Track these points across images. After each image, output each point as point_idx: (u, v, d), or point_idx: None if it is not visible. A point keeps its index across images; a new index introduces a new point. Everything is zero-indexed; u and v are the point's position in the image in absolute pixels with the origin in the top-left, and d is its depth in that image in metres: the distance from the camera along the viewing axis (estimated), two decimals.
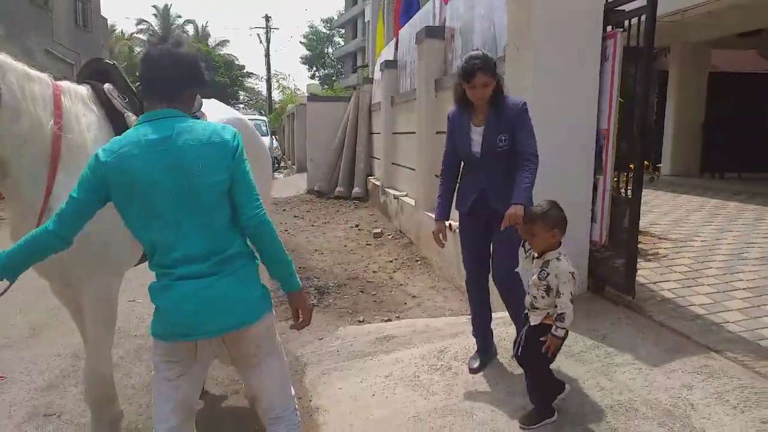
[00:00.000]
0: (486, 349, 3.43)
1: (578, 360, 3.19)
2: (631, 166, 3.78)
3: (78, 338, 2.64)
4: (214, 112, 3.30)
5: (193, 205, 1.79)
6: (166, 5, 49.82)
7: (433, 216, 3.42)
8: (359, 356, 3.84)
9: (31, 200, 2.30)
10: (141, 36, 44.75)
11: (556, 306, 2.60)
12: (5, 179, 2.30)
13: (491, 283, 3.32)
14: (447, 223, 3.39)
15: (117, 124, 2.53)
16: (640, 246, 4.84)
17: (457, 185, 3.33)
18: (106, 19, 27.98)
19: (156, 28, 48.20)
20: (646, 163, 5.21)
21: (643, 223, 5.91)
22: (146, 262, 1.95)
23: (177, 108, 1.86)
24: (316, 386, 3.51)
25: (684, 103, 11.15)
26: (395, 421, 2.95)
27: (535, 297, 2.69)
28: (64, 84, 2.51)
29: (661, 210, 6.90)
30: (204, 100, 3.39)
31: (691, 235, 5.40)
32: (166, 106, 1.84)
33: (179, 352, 1.88)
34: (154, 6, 56.43)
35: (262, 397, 2.11)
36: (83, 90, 2.59)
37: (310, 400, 3.35)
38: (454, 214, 3.40)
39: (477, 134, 3.12)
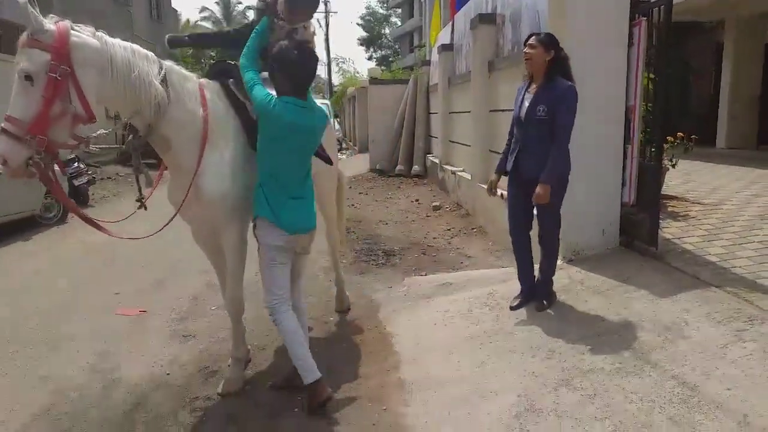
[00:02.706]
0: (527, 294, 4.12)
1: (603, 296, 3.90)
2: (669, 138, 4.38)
3: (194, 285, 3.43)
4: None
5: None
6: None
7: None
8: (423, 297, 4.66)
9: (187, 167, 3.02)
10: (205, 24, 46.53)
11: None
12: (167, 151, 3.05)
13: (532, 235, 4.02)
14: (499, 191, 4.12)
15: (240, 112, 3.24)
16: (672, 209, 5.44)
17: None
18: (177, 10, 29.57)
19: (218, 15, 49.99)
20: (680, 134, 5.75)
21: (681, 190, 6.44)
22: None
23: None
24: (388, 319, 4.36)
25: (739, 76, 11.26)
26: (452, 339, 3.76)
27: None
28: (203, 81, 3.27)
29: (703, 179, 7.34)
30: None
31: (723, 200, 5.89)
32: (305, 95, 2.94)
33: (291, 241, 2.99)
34: None
35: (300, 272, 3.29)
36: (215, 85, 3.33)
37: (385, 328, 4.20)
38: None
39: (527, 101, 3.72)
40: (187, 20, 43.37)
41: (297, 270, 3.25)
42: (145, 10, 23.79)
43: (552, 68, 3.65)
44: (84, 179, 10.44)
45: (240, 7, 51.64)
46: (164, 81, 2.90)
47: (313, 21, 3.62)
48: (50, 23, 2.58)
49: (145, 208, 3.04)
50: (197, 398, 3.35)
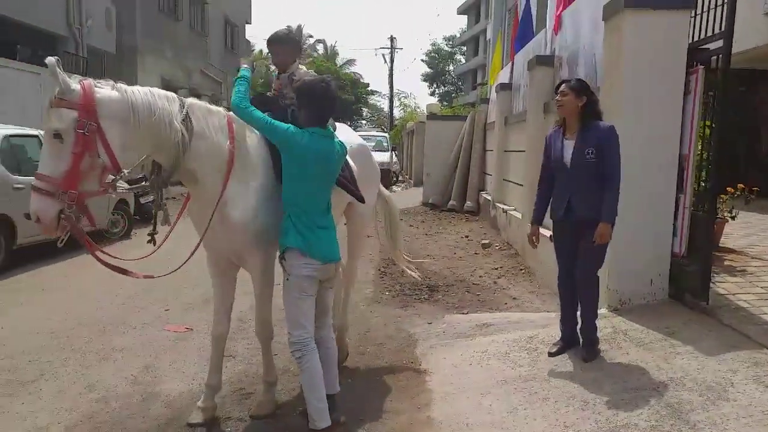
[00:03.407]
0: (568, 340, 4.03)
1: (646, 348, 3.77)
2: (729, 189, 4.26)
3: (239, 307, 3.49)
4: (345, 136, 3.94)
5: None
6: (299, 26, 53.42)
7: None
8: (461, 336, 4.63)
9: (211, 198, 3.06)
10: None
11: None
12: (195, 184, 3.11)
13: None
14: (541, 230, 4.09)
15: (271, 143, 3.23)
16: (729, 263, 5.23)
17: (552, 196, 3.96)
18: (250, 42, 30.96)
19: None
20: (741, 185, 5.55)
21: (741, 243, 6.17)
22: None
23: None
24: (425, 355, 4.35)
25: None
26: (486, 381, 3.71)
27: None
28: (232, 114, 3.29)
29: (767, 233, 7.00)
30: (337, 125, 4.28)
31: None
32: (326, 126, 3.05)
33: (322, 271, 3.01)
34: (288, 26, 60.68)
35: (324, 308, 3.21)
36: None
37: (420, 365, 4.19)
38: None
39: (569, 146, 3.74)
40: (260, 51, 45.27)
41: (325, 305, 3.22)
42: (220, 40, 25.05)
43: (586, 113, 3.72)
44: (150, 198, 10.97)
45: (311, 40, 53.60)
46: (187, 118, 2.97)
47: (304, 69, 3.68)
48: (75, 83, 2.70)
49: (154, 243, 3.09)
50: (230, 418, 3.44)
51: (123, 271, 3.08)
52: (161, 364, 4.25)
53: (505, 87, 10.61)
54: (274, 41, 3.57)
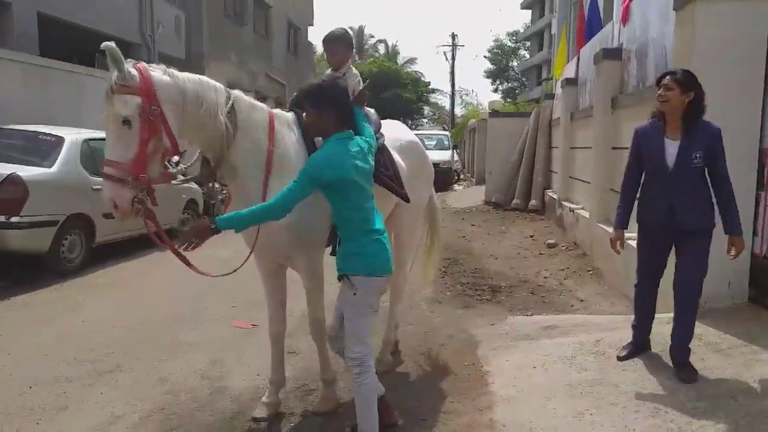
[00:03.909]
0: (639, 345, 3.85)
1: (724, 354, 3.57)
2: None
3: (304, 304, 3.46)
4: (394, 132, 4.03)
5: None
6: (361, 26, 54.05)
7: (608, 227, 3.93)
8: (524, 339, 4.53)
9: (253, 197, 2.99)
10: None
11: None
12: (235, 180, 3.08)
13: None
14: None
15: (309, 142, 3.17)
16: None
17: (638, 198, 3.64)
18: (312, 44, 31.47)
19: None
20: None
21: None
22: None
23: None
24: (487, 357, 4.28)
25: None
26: (552, 385, 3.62)
27: None
28: (276, 111, 3.34)
29: None
30: (387, 121, 4.17)
31: None
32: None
33: (387, 282, 2.90)
34: (350, 27, 61.56)
35: None
36: (289, 116, 3.28)
37: (482, 367, 4.13)
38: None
39: (672, 147, 3.37)
40: (322, 53, 46.02)
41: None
42: (283, 44, 25.58)
43: (693, 109, 3.36)
44: (219, 198, 11.32)
45: (372, 41, 54.08)
46: (232, 111, 2.95)
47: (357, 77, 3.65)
48: (130, 66, 2.69)
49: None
50: (293, 414, 3.50)
51: (187, 263, 3.06)
52: (228, 359, 4.38)
53: (570, 82, 10.31)
54: (330, 40, 3.60)
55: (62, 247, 6.85)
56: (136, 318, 5.33)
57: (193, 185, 9.63)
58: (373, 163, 2.93)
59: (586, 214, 8.07)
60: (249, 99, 3.18)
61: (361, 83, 3.60)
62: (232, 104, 2.96)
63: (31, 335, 4.85)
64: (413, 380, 4.03)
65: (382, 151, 3.65)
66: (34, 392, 3.77)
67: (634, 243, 3.85)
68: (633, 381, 3.48)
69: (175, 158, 2.99)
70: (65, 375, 4.04)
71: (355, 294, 2.78)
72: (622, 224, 3.70)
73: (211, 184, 3.14)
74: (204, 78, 2.96)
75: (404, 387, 3.92)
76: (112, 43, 2.63)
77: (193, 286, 6.38)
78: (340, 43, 3.58)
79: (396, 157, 3.79)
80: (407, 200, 3.71)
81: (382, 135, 3.66)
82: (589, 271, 7.12)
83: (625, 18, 7.02)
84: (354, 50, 3.73)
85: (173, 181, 3.10)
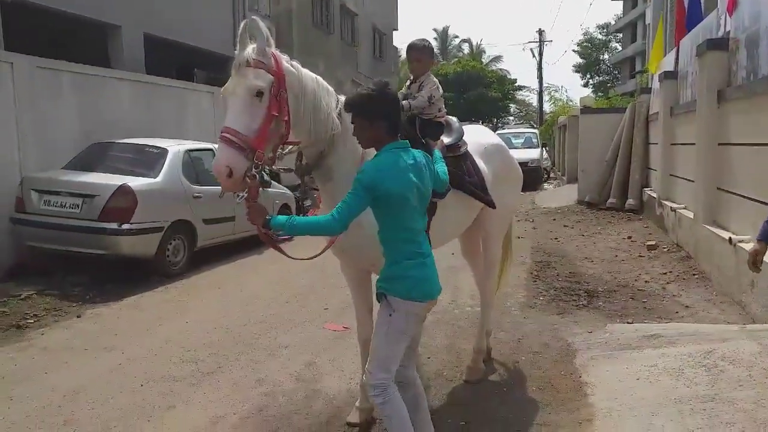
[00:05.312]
0: None
1: None
2: None
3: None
4: (477, 137, 3.96)
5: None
6: (445, 27, 53.82)
7: (715, 229, 3.57)
8: (626, 348, 4.29)
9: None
10: None
11: None
12: (327, 183, 3.06)
13: None
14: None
15: None
16: None
17: None
18: (397, 48, 31.69)
19: (435, 49, 52.41)
20: None
21: None
22: None
23: None
24: (585, 367, 4.10)
25: None
26: (657, 399, 3.40)
27: None
28: None
29: None
30: (470, 126, 4.11)
31: None
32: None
33: (429, 307, 2.68)
34: (434, 29, 61.45)
35: (415, 343, 2.89)
36: None
37: (580, 377, 3.96)
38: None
39: None
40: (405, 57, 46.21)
41: (416, 339, 2.93)
42: (369, 49, 25.95)
43: None
44: (312, 197, 11.61)
45: (456, 41, 53.70)
46: (339, 114, 2.99)
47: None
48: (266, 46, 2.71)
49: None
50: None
51: (280, 249, 2.96)
52: (322, 361, 4.47)
53: (669, 75, 9.73)
54: (410, 49, 3.64)
55: (167, 251, 7.29)
56: (235, 319, 5.56)
57: (287, 191, 9.97)
58: (428, 181, 2.70)
59: (690, 215, 7.58)
60: None
61: (440, 88, 3.62)
62: (340, 108, 3.01)
63: (142, 335, 5.18)
64: (506, 390, 3.93)
65: (465, 158, 3.66)
66: (145, 390, 4.03)
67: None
68: (753, 398, 3.20)
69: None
70: (172, 374, 4.28)
71: (390, 315, 2.60)
72: (765, 236, 3.15)
73: (305, 179, 3.13)
74: (319, 78, 3.02)
75: (497, 397, 3.83)
76: (257, 19, 2.72)
77: (287, 289, 6.61)
78: (422, 53, 3.61)
79: (480, 162, 3.76)
80: (493, 206, 3.64)
81: (465, 143, 3.67)
82: (694, 275, 6.69)
83: (732, 6, 6.52)
84: (434, 54, 3.73)
85: (272, 168, 3.00)
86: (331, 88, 3.07)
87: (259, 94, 2.65)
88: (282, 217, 2.52)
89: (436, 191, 2.89)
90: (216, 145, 3.04)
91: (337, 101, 3.03)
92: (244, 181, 2.61)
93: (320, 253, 3.08)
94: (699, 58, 7.10)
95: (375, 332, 2.68)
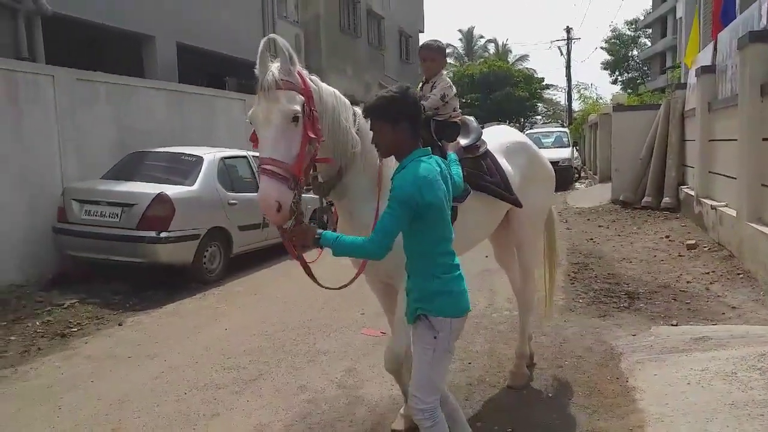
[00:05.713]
0: None
1: None
2: None
3: None
4: (498, 136, 3.87)
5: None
6: (470, 28, 53.51)
7: (760, 227, 3.51)
8: (673, 351, 4.18)
9: (359, 216, 2.95)
10: (449, 60, 48.85)
11: None
12: (342, 199, 2.98)
13: None
14: None
15: None
16: None
17: None
18: None
19: (460, 50, 52.18)
20: None
21: None
22: None
23: None
24: (631, 371, 4.01)
25: None
26: (711, 404, 3.30)
27: None
28: None
29: None
30: (492, 127, 4.03)
31: None
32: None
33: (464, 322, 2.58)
34: (459, 30, 61.11)
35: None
36: None
37: (627, 381, 3.87)
38: None
39: None
40: None
41: None
42: (396, 53, 25.95)
43: None
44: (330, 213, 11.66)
45: (481, 41, 53.35)
46: (358, 129, 2.93)
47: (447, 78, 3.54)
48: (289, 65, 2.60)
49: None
50: None
51: (312, 276, 3.00)
52: (362, 367, 4.45)
53: (707, 70, 9.47)
54: (423, 49, 3.60)
55: (204, 258, 7.37)
56: (273, 325, 5.59)
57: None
58: (450, 187, 2.59)
59: (733, 212, 7.36)
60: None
61: (453, 88, 3.55)
62: (359, 123, 2.95)
63: (183, 342, 5.24)
64: (552, 396, 3.86)
65: (485, 157, 3.57)
66: (189, 398, 4.06)
67: None
68: None
69: None
70: (215, 382, 4.31)
71: (435, 337, 2.45)
72: None
73: (322, 199, 3.06)
74: (337, 91, 2.94)
75: (542, 403, 3.77)
76: (275, 36, 2.61)
77: (322, 294, 6.55)
78: (435, 53, 3.58)
79: (502, 161, 3.66)
80: (519, 205, 3.56)
81: (483, 142, 3.59)
82: (738, 274, 6.48)
83: None
84: (446, 54, 3.68)
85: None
86: (348, 102, 2.97)
87: (296, 118, 2.54)
88: (331, 235, 2.43)
89: (454, 196, 2.81)
90: (250, 153, 2.99)
91: (354, 114, 2.96)
92: (291, 211, 2.53)
93: (350, 283, 3.05)
94: (740, 51, 6.90)
95: (418, 357, 2.51)
